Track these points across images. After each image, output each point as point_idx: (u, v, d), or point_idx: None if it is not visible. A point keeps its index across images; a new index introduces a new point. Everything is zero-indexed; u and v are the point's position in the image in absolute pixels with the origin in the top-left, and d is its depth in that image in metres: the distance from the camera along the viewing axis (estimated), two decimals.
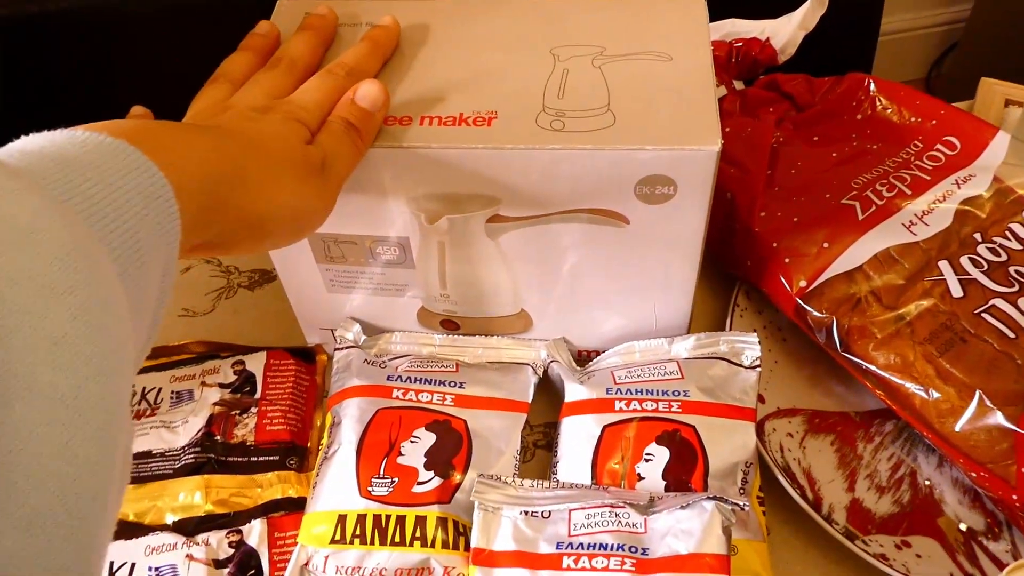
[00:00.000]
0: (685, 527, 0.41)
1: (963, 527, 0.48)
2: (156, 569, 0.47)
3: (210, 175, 0.32)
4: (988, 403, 0.45)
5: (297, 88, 0.42)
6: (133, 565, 0.47)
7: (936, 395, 0.46)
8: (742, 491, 0.46)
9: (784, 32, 0.60)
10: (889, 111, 0.58)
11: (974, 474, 0.46)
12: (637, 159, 0.42)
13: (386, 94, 0.42)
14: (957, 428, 0.46)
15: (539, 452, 0.54)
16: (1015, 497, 0.44)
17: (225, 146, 0.34)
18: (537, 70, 0.45)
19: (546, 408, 0.54)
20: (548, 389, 0.54)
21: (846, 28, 0.87)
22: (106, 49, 0.79)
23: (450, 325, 0.54)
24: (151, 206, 0.28)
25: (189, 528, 0.49)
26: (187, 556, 0.47)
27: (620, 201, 0.44)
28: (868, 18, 0.91)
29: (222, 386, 0.55)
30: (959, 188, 0.52)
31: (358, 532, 0.45)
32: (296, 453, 0.52)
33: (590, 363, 0.54)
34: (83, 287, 0.23)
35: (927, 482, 0.50)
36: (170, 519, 0.49)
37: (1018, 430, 0.44)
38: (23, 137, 0.28)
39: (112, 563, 0.47)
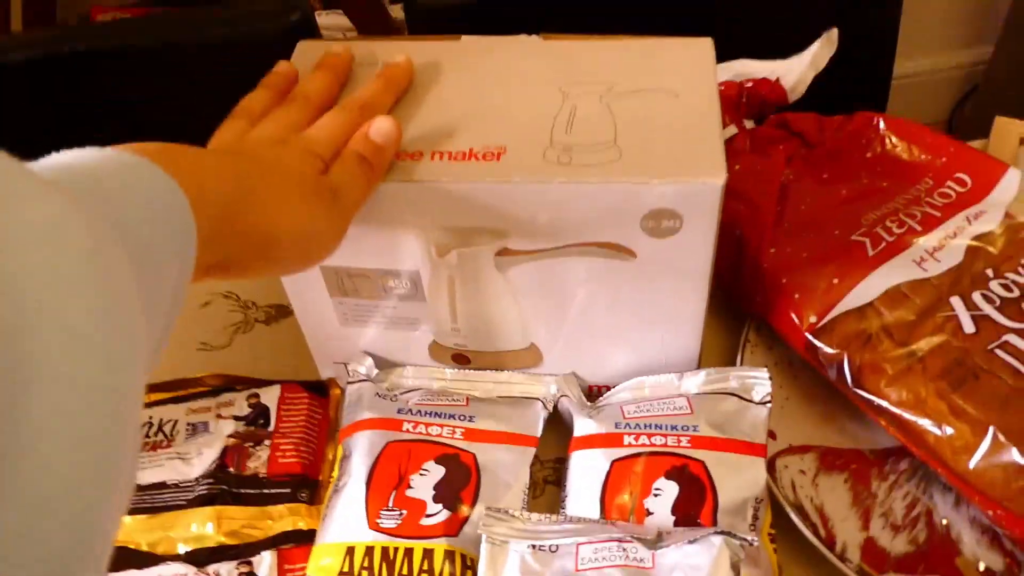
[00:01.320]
0: (693, 562, 0.41)
1: (982, 567, 0.47)
2: None
3: (224, 194, 0.34)
4: (1002, 439, 0.44)
5: (313, 123, 0.44)
6: None
7: (950, 431, 0.46)
8: (752, 528, 0.45)
9: (794, 72, 0.60)
10: (899, 149, 0.58)
11: (991, 512, 0.45)
12: (643, 192, 0.42)
13: (398, 129, 0.44)
14: (971, 465, 0.45)
15: (549, 488, 0.53)
16: None
17: (239, 168, 0.36)
18: (546, 106, 0.46)
19: (556, 443, 0.54)
20: (558, 425, 0.54)
21: (859, 71, 0.88)
22: (134, 87, 0.82)
23: (461, 359, 0.55)
24: (169, 218, 0.29)
25: (200, 559, 0.49)
26: None
27: (627, 235, 0.44)
28: (881, 60, 0.92)
29: (236, 418, 0.55)
30: (970, 224, 0.52)
31: (366, 564, 0.45)
32: (307, 486, 0.52)
33: (600, 398, 0.54)
34: (101, 286, 0.24)
35: (944, 521, 0.49)
36: (182, 549, 0.50)
37: None
38: (54, 153, 0.29)
39: None
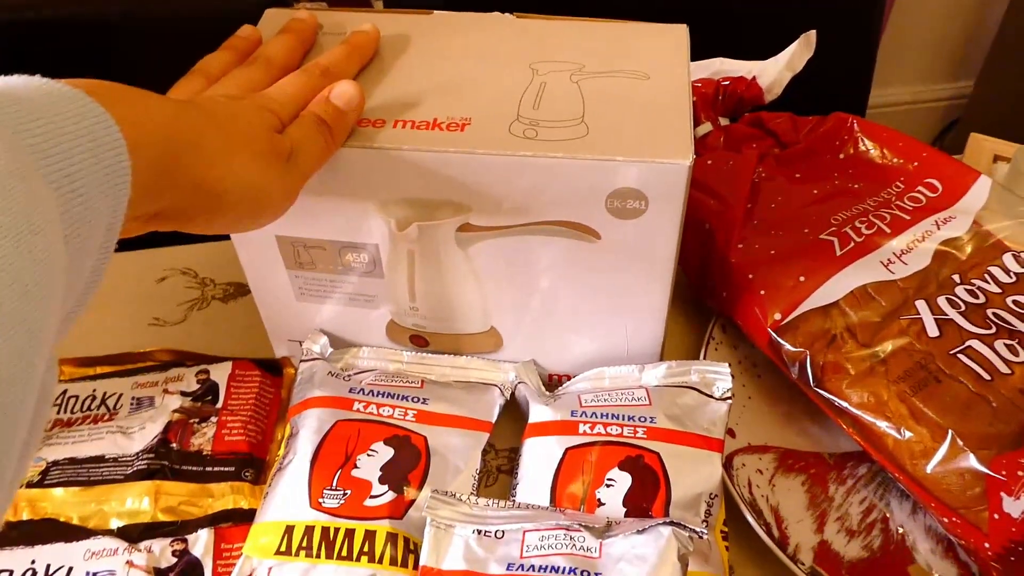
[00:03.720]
0: (640, 552, 0.40)
1: None
2: (94, 574, 0.45)
3: (168, 138, 0.32)
4: (961, 444, 0.43)
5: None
6: (71, 569, 0.45)
7: (909, 435, 0.45)
8: (705, 523, 0.44)
9: (771, 72, 0.60)
10: (872, 151, 0.57)
11: (946, 520, 0.44)
12: (607, 170, 0.41)
13: (361, 95, 0.42)
14: (929, 470, 0.44)
15: (502, 477, 0.52)
16: (987, 545, 0.43)
17: (188, 115, 0.34)
18: (515, 82, 0.45)
19: (513, 433, 0.53)
20: (516, 414, 0.53)
21: (836, 92, 0.88)
22: (103, 57, 0.80)
23: (419, 341, 0.53)
24: (102, 155, 0.28)
25: (134, 535, 0.47)
26: (127, 563, 0.45)
27: (591, 214, 0.43)
28: (858, 80, 0.92)
29: (184, 394, 0.53)
30: (939, 229, 0.52)
31: (304, 544, 0.44)
32: (253, 465, 0.51)
33: (559, 387, 0.53)
34: (16, 211, 0.23)
35: (900, 528, 0.48)
36: (115, 524, 0.48)
37: (991, 473, 0.42)
38: None
39: (48, 566, 0.45)
